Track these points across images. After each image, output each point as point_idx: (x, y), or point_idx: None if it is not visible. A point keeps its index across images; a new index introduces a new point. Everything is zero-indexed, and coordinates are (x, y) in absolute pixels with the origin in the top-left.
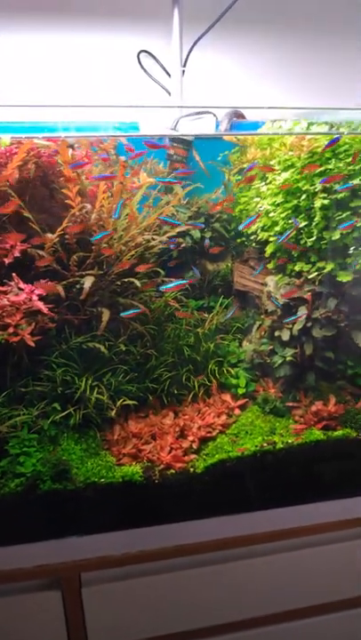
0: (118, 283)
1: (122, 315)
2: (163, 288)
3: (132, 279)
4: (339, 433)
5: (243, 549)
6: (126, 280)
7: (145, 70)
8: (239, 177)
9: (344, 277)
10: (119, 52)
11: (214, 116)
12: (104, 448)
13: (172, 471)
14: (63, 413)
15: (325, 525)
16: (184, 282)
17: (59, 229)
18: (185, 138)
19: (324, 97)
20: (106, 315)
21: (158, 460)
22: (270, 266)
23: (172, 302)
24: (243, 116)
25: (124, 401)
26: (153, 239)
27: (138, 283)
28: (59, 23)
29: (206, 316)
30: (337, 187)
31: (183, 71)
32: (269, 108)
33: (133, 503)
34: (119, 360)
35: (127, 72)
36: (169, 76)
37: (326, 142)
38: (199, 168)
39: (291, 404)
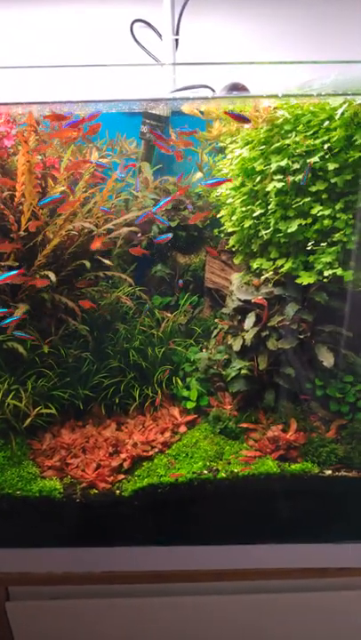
0: (38, 276)
1: None
2: None
3: (48, 272)
4: (296, 467)
5: (176, 585)
6: (44, 273)
7: (137, 41)
8: (217, 157)
9: (306, 279)
10: (109, 25)
11: (212, 90)
12: (30, 457)
13: (95, 491)
14: None
15: (266, 572)
16: None
17: None
18: (159, 114)
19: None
20: (21, 309)
21: (82, 477)
22: (236, 261)
23: (125, 299)
24: (244, 89)
25: (41, 409)
26: (84, 227)
27: (52, 276)
28: None
29: (169, 315)
30: (295, 166)
31: (176, 40)
32: (263, 63)
33: (53, 521)
34: (45, 363)
35: (117, 46)
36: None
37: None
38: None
39: (246, 426)
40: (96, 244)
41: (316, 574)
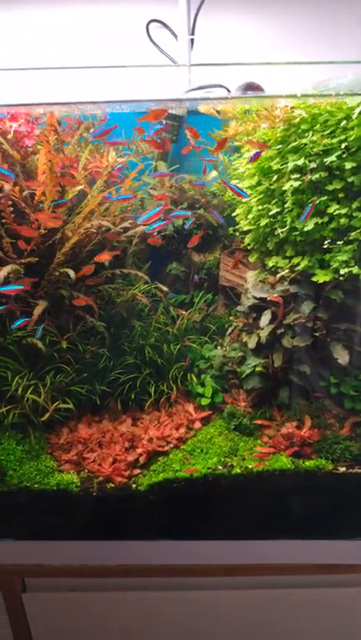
0: (57, 273)
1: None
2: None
3: (66, 270)
4: (310, 463)
5: (189, 579)
6: (63, 271)
7: (153, 41)
8: (233, 157)
9: (321, 277)
10: (125, 26)
11: (227, 89)
12: (48, 451)
13: (112, 485)
14: None
15: (278, 567)
16: None
17: None
18: (175, 113)
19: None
20: (40, 307)
21: (98, 471)
22: (252, 259)
23: (141, 297)
24: (259, 88)
25: (59, 404)
26: (102, 226)
27: (72, 273)
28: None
29: (184, 312)
30: (312, 165)
31: (192, 40)
32: (280, 63)
33: (69, 514)
34: (64, 359)
35: (133, 46)
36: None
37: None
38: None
39: (260, 422)
40: (105, 257)
41: (328, 571)
